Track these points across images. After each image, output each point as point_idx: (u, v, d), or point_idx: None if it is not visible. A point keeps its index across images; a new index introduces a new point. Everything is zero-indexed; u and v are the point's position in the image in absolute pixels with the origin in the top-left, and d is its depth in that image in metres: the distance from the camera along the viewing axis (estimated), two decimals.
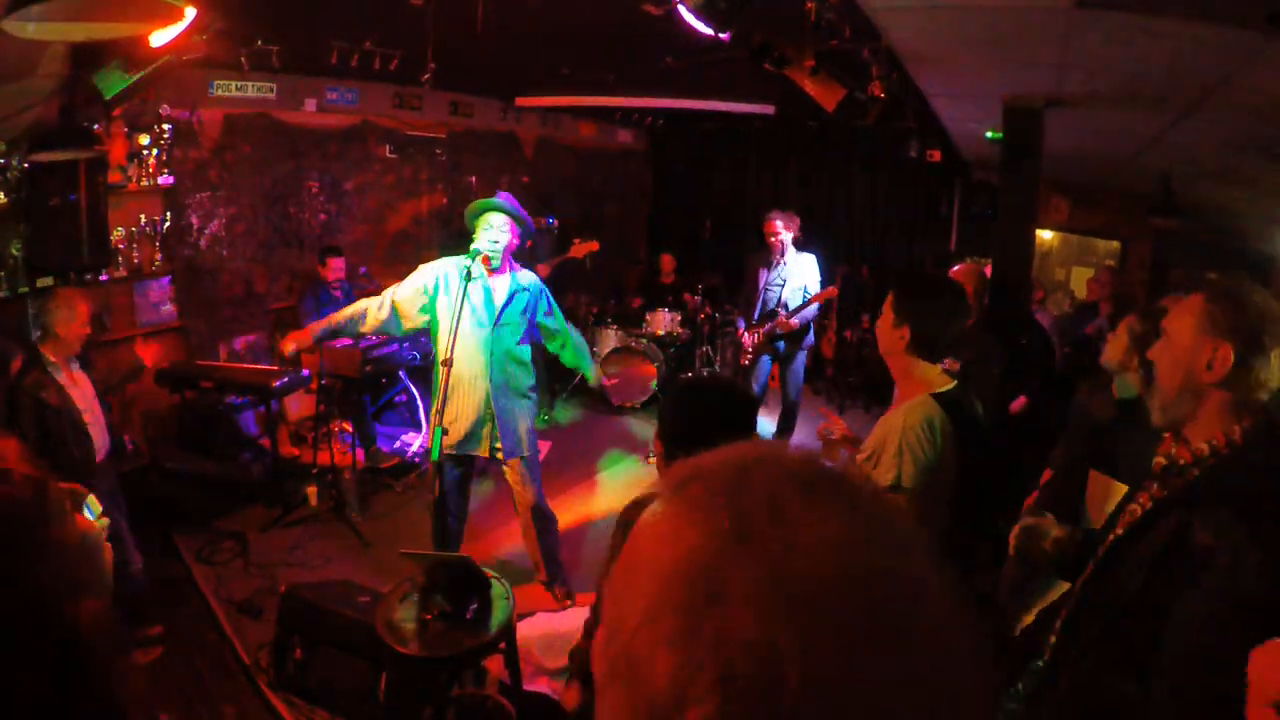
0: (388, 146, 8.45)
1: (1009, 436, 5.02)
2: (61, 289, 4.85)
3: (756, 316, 7.52)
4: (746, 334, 7.54)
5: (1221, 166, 6.17)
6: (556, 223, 9.17)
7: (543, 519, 5.10)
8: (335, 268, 6.99)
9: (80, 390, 4.46)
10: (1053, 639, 2.06)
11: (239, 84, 6.80)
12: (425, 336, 5.07)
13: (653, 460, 2.30)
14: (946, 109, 6.68)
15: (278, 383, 6.10)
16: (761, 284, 7.46)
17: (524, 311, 4.82)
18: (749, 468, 0.72)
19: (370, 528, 6.00)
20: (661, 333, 9.37)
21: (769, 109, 8.54)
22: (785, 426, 7.62)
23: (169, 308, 6.67)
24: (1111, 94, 4.91)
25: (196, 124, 6.65)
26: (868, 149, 10.62)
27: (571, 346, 5.19)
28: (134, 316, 6.36)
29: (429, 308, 4.73)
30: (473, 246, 4.63)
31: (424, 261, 4.88)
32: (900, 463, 2.71)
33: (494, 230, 4.66)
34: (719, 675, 0.59)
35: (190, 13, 3.56)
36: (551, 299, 5.04)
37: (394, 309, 4.74)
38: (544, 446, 7.82)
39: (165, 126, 6.36)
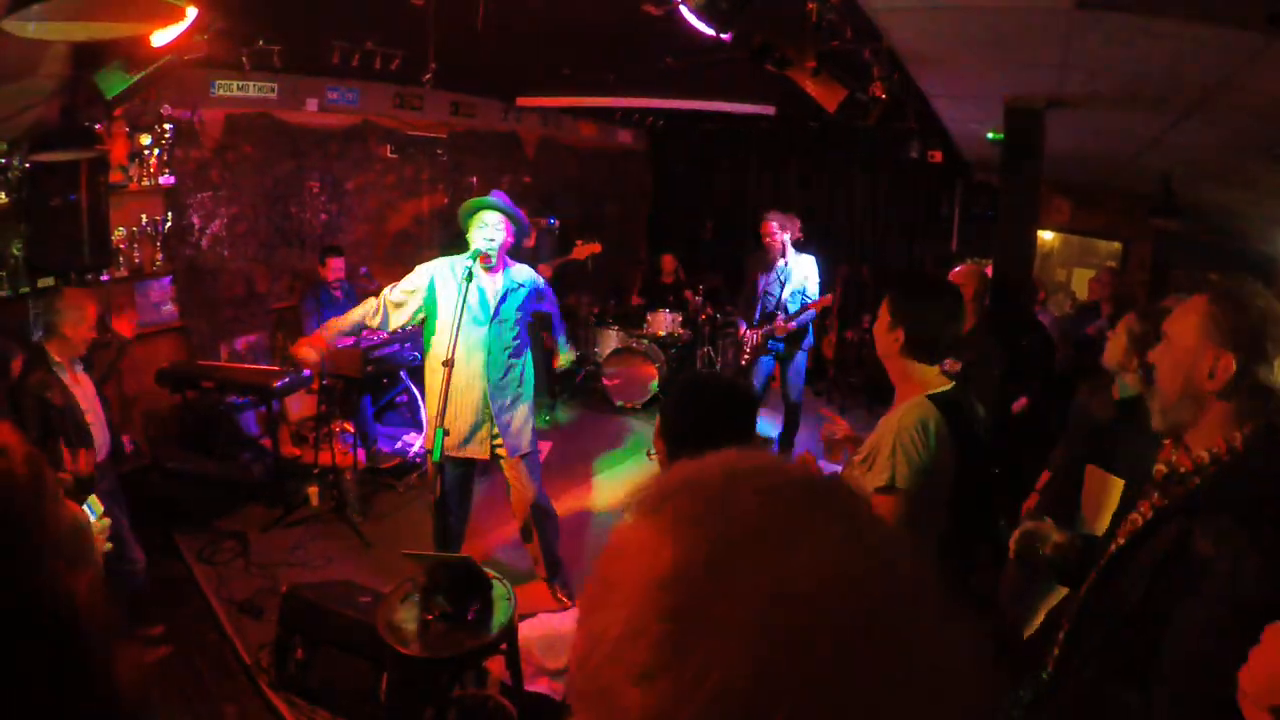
0: (389, 146, 8.46)
1: (1009, 437, 5.02)
2: (70, 289, 4.85)
3: (756, 319, 7.51)
4: (748, 331, 7.53)
5: (1222, 167, 6.17)
6: (558, 223, 9.18)
7: (544, 517, 5.09)
8: (335, 268, 6.99)
9: (82, 390, 4.46)
10: (1056, 650, 2.04)
11: (240, 84, 6.80)
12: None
13: (653, 457, 2.31)
14: (947, 110, 6.68)
15: (279, 383, 6.11)
16: (761, 287, 7.44)
17: (519, 308, 4.82)
18: (736, 479, 0.72)
19: (371, 528, 6.00)
20: (662, 333, 9.38)
21: (770, 109, 8.54)
22: (788, 429, 7.60)
23: (170, 308, 6.67)
24: (1112, 95, 4.91)
25: (198, 124, 6.65)
26: (868, 150, 10.63)
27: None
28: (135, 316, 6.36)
29: (423, 308, 4.74)
30: (473, 246, 4.63)
31: (425, 261, 4.88)
32: (894, 463, 2.70)
33: (489, 229, 4.65)
34: (711, 694, 0.58)
35: (191, 12, 3.57)
36: (550, 296, 5.08)
37: (385, 309, 4.76)
38: (544, 446, 7.82)
39: (166, 126, 6.36)
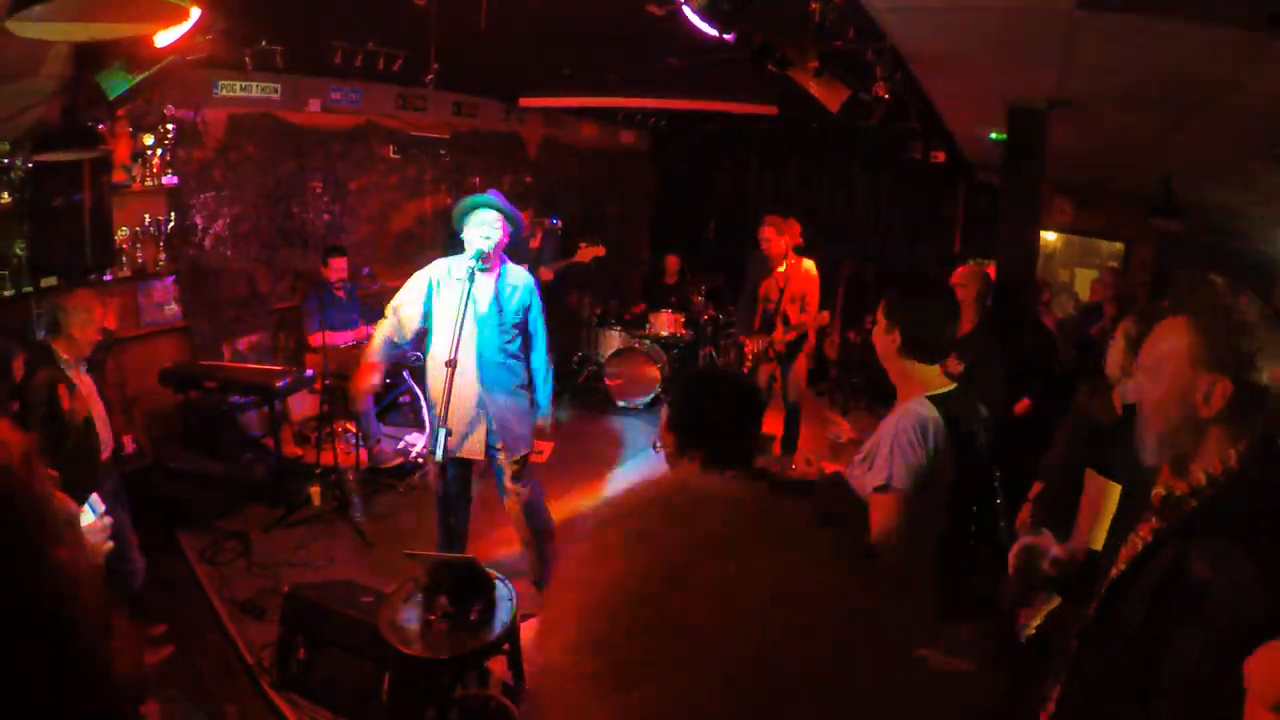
0: (391, 147, 8.46)
1: (1011, 439, 5.02)
2: (82, 290, 4.86)
3: (756, 326, 7.50)
4: (748, 341, 7.52)
5: (1223, 168, 6.17)
6: (560, 223, 9.19)
7: (538, 519, 5.08)
8: (338, 268, 6.99)
9: (86, 390, 4.47)
10: (1059, 682, 1.99)
11: (243, 84, 6.81)
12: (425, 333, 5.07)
13: (659, 449, 2.33)
14: (950, 110, 6.68)
15: (281, 383, 6.11)
16: (761, 293, 7.43)
17: (515, 309, 4.81)
18: (709, 505, 0.76)
19: (373, 528, 6.00)
20: (665, 334, 9.38)
21: (772, 110, 8.54)
22: (789, 430, 7.59)
23: (173, 308, 6.67)
24: (1114, 96, 4.91)
25: (200, 124, 6.66)
26: (870, 150, 10.64)
27: (539, 368, 5.11)
28: (138, 317, 6.36)
29: (426, 314, 4.75)
30: (470, 246, 4.62)
31: (428, 262, 4.89)
32: (891, 464, 2.72)
33: (486, 228, 4.64)
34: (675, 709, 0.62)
35: (195, 13, 3.57)
36: (539, 307, 5.02)
37: (399, 324, 4.81)
38: (546, 447, 7.83)
39: (169, 126, 6.37)
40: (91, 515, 2.29)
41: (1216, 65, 3.78)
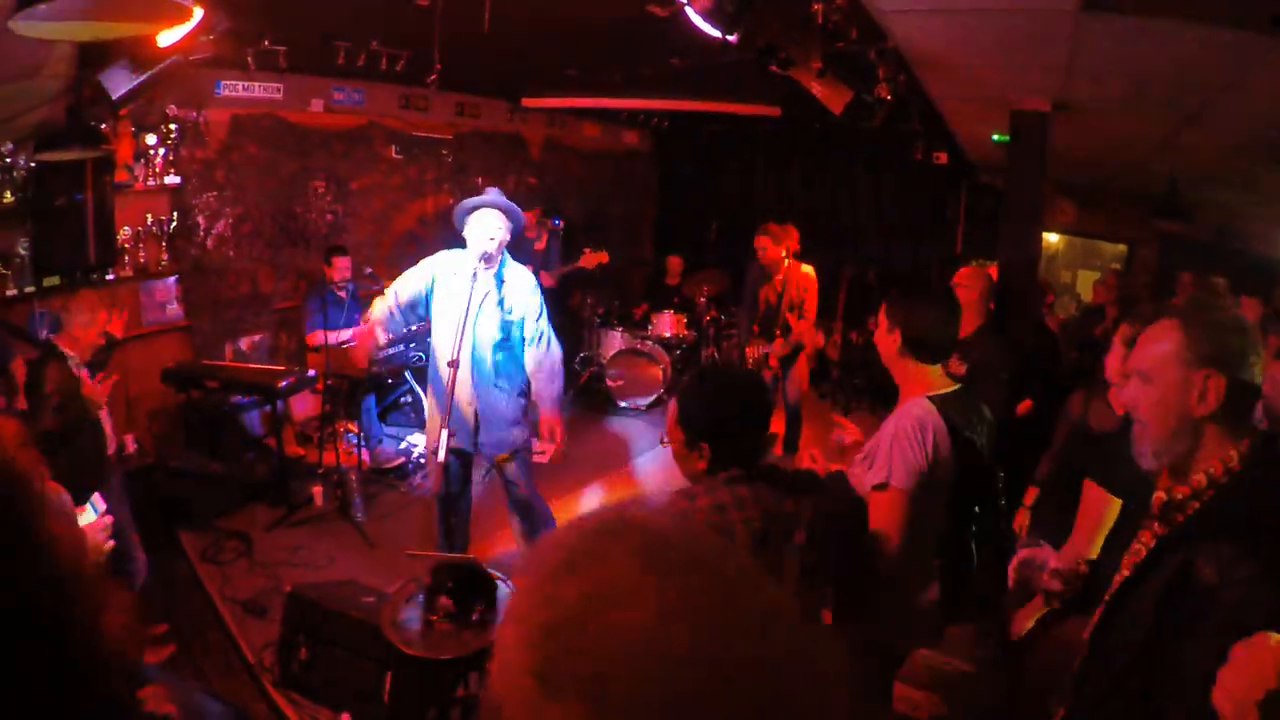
0: (394, 147, 8.47)
1: (1012, 440, 5.01)
2: (86, 291, 4.87)
3: (756, 331, 7.49)
4: (747, 349, 7.51)
5: (1227, 170, 6.16)
6: (562, 223, 9.19)
7: (534, 519, 5.07)
8: (341, 267, 6.99)
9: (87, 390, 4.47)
10: (1061, 710, 1.97)
11: (246, 84, 6.81)
12: (428, 335, 5.05)
13: (667, 443, 2.34)
14: (952, 112, 6.68)
15: (283, 383, 6.12)
16: (760, 300, 7.43)
17: (516, 309, 4.78)
18: (596, 545, 0.77)
19: (375, 528, 6.00)
20: (667, 335, 9.37)
21: (775, 111, 8.54)
22: (791, 431, 7.58)
23: (175, 307, 6.68)
24: (1118, 97, 4.91)
25: (203, 124, 6.67)
26: (873, 151, 10.64)
27: (543, 367, 4.93)
28: (140, 316, 6.37)
29: (425, 302, 4.74)
30: (473, 246, 4.60)
31: None
32: (890, 463, 2.73)
33: (490, 227, 4.62)
34: None
35: (198, 13, 3.57)
36: (543, 306, 4.94)
37: (397, 308, 4.78)
38: (548, 448, 7.83)
39: (172, 126, 6.38)
40: (93, 514, 2.29)
41: (1219, 67, 3.78)
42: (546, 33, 5.81)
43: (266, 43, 5.91)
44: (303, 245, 7.69)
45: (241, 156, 7.07)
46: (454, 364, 4.21)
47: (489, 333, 4.67)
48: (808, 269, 7.29)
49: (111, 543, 2.27)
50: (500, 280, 4.70)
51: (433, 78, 6.03)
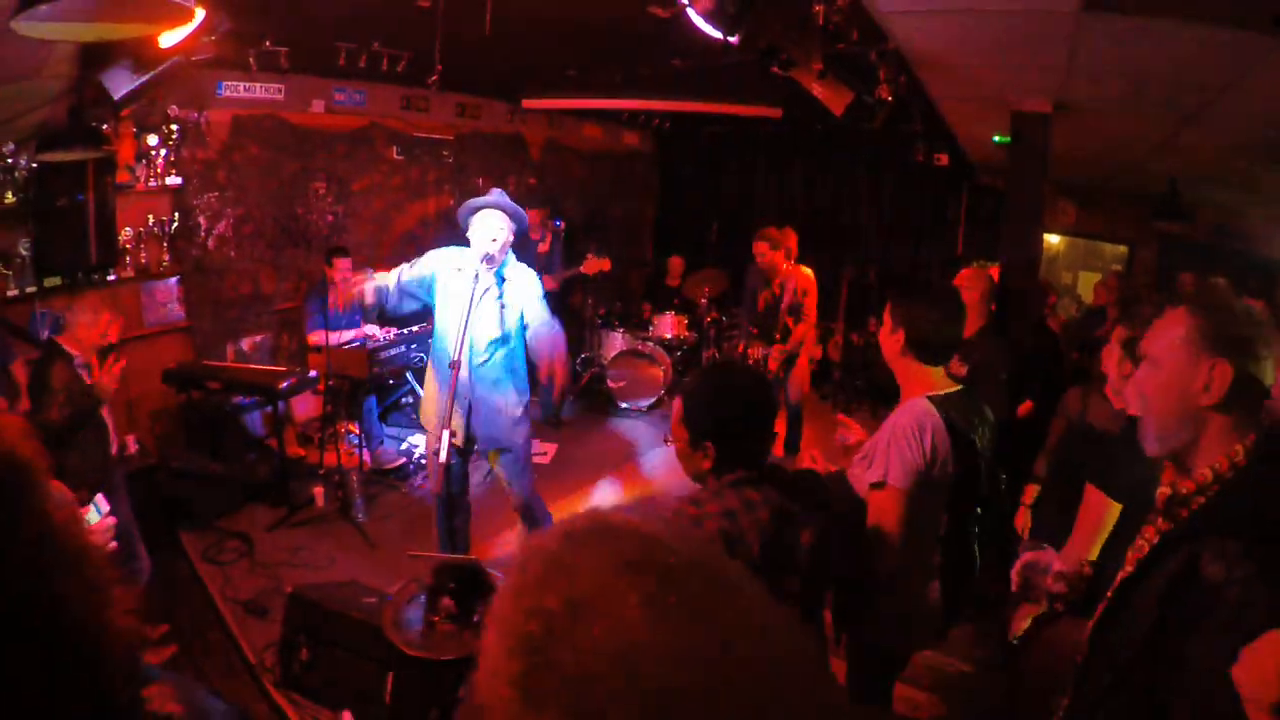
0: (395, 148, 8.47)
1: (1013, 441, 5.02)
2: (92, 293, 4.87)
3: (755, 333, 7.50)
4: (749, 352, 7.52)
5: (1226, 170, 6.17)
6: (563, 224, 9.20)
7: (532, 520, 5.07)
8: (342, 268, 6.97)
9: None
10: (1065, 701, 1.95)
11: (247, 85, 6.82)
12: (428, 336, 5.03)
13: (670, 442, 2.34)
14: (953, 113, 6.68)
15: (284, 383, 6.12)
16: (760, 304, 7.44)
17: (516, 309, 4.77)
18: (577, 552, 0.77)
19: (376, 529, 6.00)
20: (668, 336, 9.37)
21: (776, 112, 8.54)
22: (792, 432, 7.59)
23: (176, 308, 6.68)
24: (1118, 97, 4.91)
25: (204, 124, 6.67)
26: (874, 152, 10.64)
27: (543, 337, 4.81)
28: (141, 316, 6.37)
29: (428, 290, 4.73)
30: (476, 246, 4.59)
31: None
32: (888, 462, 2.74)
33: (492, 229, 4.62)
34: None
35: (199, 14, 3.57)
36: (545, 305, 4.90)
37: (399, 288, 4.75)
38: (550, 449, 7.83)
39: (173, 127, 6.38)
40: (97, 515, 2.30)
41: (1219, 67, 3.78)
42: (547, 33, 5.81)
43: (268, 43, 5.91)
44: (304, 246, 7.69)
45: (243, 157, 7.07)
46: (455, 365, 4.22)
47: (489, 331, 4.66)
48: (807, 271, 7.30)
49: (114, 544, 2.27)
50: (501, 279, 4.69)
51: (434, 78, 6.03)
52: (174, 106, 6.34)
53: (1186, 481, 1.73)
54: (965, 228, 10.67)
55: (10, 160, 5.31)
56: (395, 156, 8.51)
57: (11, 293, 5.39)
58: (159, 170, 6.32)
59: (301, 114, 7.46)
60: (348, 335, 6.85)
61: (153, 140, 6.26)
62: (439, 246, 4.90)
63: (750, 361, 7.43)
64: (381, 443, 7.37)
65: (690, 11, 3.98)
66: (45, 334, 4.95)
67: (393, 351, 6.90)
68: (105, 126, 5.51)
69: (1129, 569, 1.81)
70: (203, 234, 6.83)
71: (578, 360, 9.62)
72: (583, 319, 9.79)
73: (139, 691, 1.08)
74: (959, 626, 3.44)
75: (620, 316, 9.89)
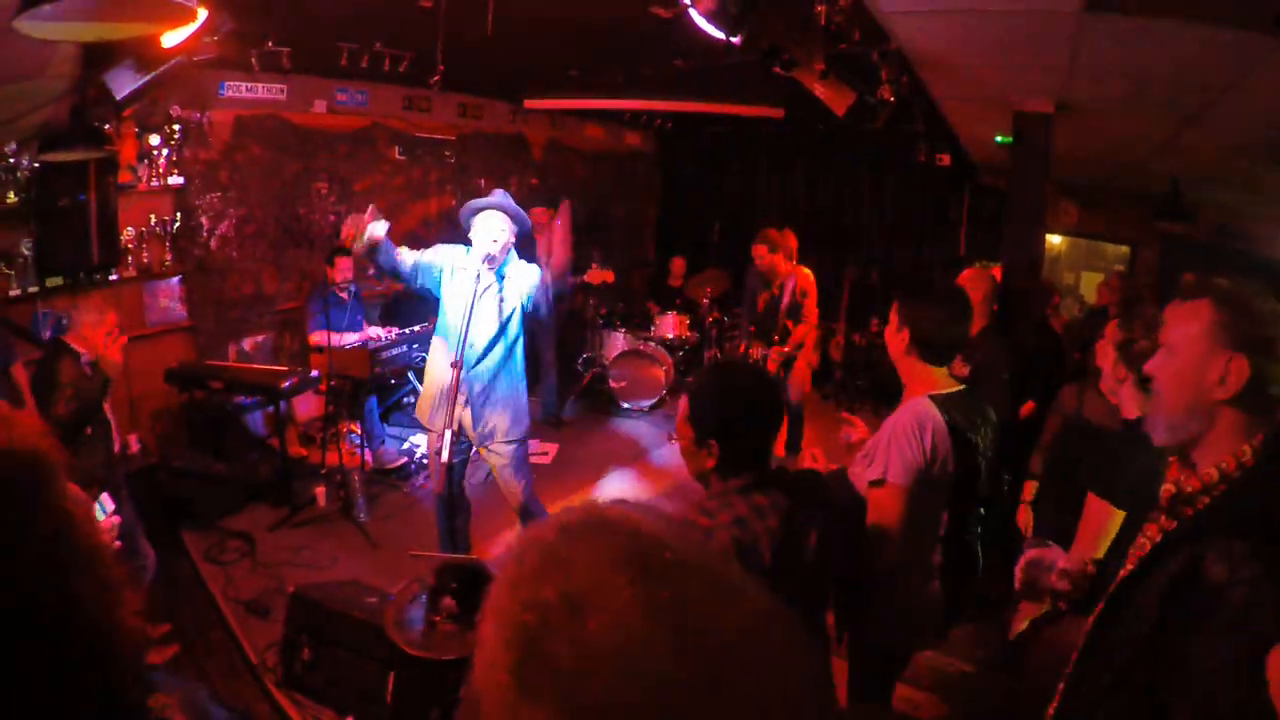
0: (397, 148, 8.48)
1: (1015, 441, 5.02)
2: (98, 293, 4.88)
3: (755, 333, 7.50)
4: (751, 352, 7.52)
5: (1228, 170, 6.16)
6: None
7: (529, 519, 5.05)
8: (343, 268, 6.97)
9: None
10: (1059, 691, 1.94)
11: (249, 85, 6.83)
12: (429, 336, 5.02)
13: (675, 441, 2.33)
14: (955, 113, 6.68)
15: (286, 383, 6.12)
16: (760, 305, 7.44)
17: (515, 307, 4.75)
18: (573, 544, 0.77)
19: (377, 528, 6.00)
20: (670, 336, 9.37)
21: (778, 112, 8.54)
22: (793, 432, 7.58)
23: (178, 308, 6.69)
24: (1120, 98, 4.91)
25: (207, 125, 6.68)
26: (876, 153, 10.64)
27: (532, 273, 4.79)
28: (144, 316, 6.38)
29: (436, 282, 4.71)
30: (478, 247, 4.58)
31: None
32: (888, 459, 2.75)
33: (493, 230, 4.62)
34: None
35: (202, 14, 3.57)
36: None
37: (419, 261, 4.69)
38: (551, 448, 7.83)
39: (175, 127, 6.39)
40: (101, 514, 2.30)
41: (1221, 67, 3.78)
42: (549, 34, 5.81)
43: (270, 44, 5.90)
44: (306, 246, 7.70)
45: (245, 157, 7.08)
46: (456, 364, 4.21)
47: (489, 330, 4.66)
48: (807, 272, 7.30)
49: (118, 543, 2.27)
50: (501, 277, 4.68)
51: (435, 79, 6.04)
52: (176, 106, 6.35)
53: (1192, 479, 1.70)
54: (967, 228, 10.67)
55: (12, 160, 5.32)
56: (397, 157, 8.51)
57: (14, 292, 5.39)
58: (161, 170, 6.33)
59: (304, 114, 7.46)
60: (350, 337, 6.85)
61: (155, 140, 6.27)
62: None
63: (751, 360, 7.43)
64: (383, 442, 7.38)
65: (692, 12, 3.98)
66: (47, 334, 4.96)
67: (394, 351, 6.90)
68: (107, 126, 5.51)
69: (1130, 567, 1.78)
70: (205, 234, 6.83)
71: (579, 360, 9.63)
72: (584, 319, 9.79)
73: (145, 697, 1.08)
74: (960, 626, 3.44)
75: (622, 317, 9.88)
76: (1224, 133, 5.05)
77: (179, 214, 6.55)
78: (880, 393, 9.19)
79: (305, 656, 4.16)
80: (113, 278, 6.04)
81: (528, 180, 10.23)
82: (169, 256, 6.52)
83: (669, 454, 7.79)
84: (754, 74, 5.35)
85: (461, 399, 4.64)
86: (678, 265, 10.56)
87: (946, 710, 4.15)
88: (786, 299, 7.22)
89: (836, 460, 3.36)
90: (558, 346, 8.71)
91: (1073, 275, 11.00)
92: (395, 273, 4.63)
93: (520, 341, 4.83)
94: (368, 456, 6.91)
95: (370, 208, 4.42)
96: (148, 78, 4.68)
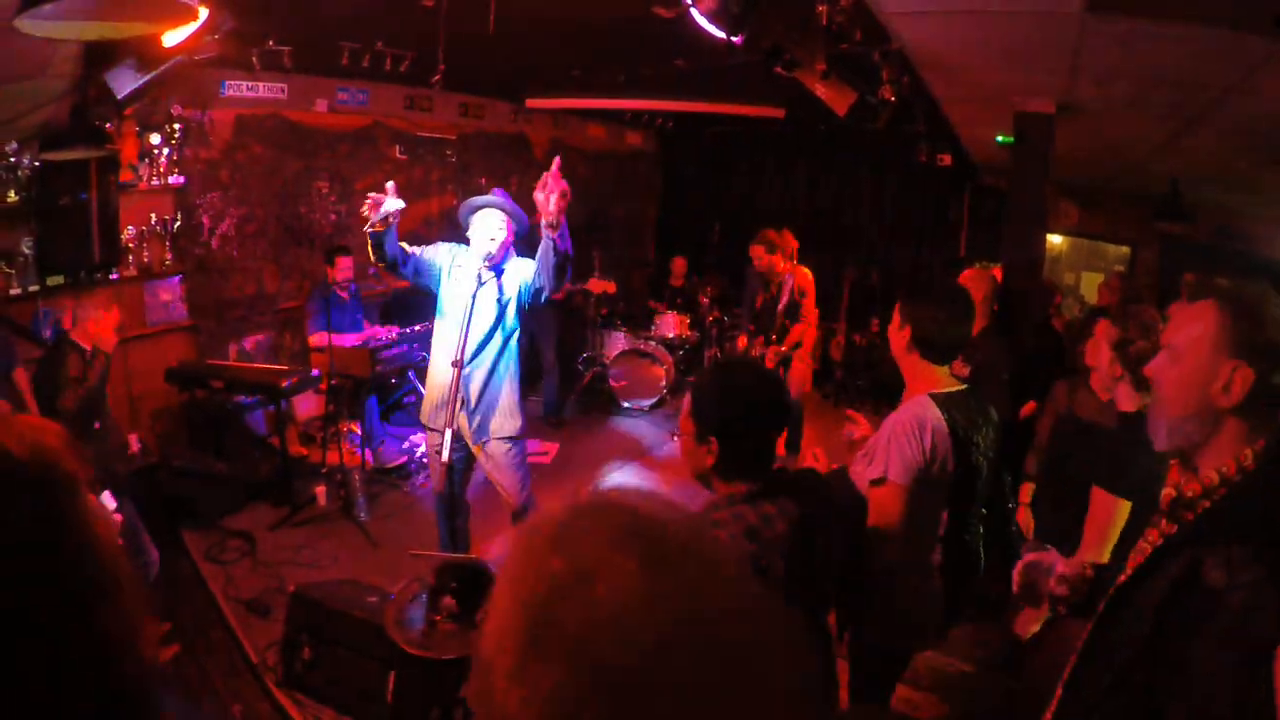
0: (398, 147, 8.48)
1: (1016, 441, 5.02)
2: (101, 289, 4.88)
3: (755, 332, 7.50)
4: (749, 349, 7.53)
5: (1228, 171, 6.16)
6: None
7: (523, 519, 5.03)
8: (344, 268, 6.97)
9: None
10: (1056, 694, 1.92)
11: (250, 84, 6.83)
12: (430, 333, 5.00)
13: (677, 438, 2.34)
14: (957, 113, 6.68)
15: (287, 382, 6.13)
16: (758, 305, 7.44)
17: (514, 306, 4.74)
18: (580, 521, 0.83)
19: (378, 528, 6.00)
20: (670, 335, 9.37)
21: (779, 112, 8.54)
22: (793, 431, 7.57)
23: (179, 307, 6.69)
24: (1121, 99, 4.91)
25: (208, 124, 6.68)
26: (877, 153, 10.63)
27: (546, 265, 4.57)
28: (144, 316, 6.39)
29: (435, 280, 4.70)
30: (475, 246, 4.57)
31: None
32: (888, 458, 2.76)
33: (491, 228, 4.61)
34: (542, 713, 0.71)
35: (203, 13, 3.58)
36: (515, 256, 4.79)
37: (417, 257, 4.69)
38: (551, 448, 7.83)
39: (176, 126, 6.40)
40: None
41: (1222, 69, 3.78)
42: (551, 33, 5.81)
43: (271, 43, 5.90)
44: (307, 245, 7.70)
45: (246, 156, 7.08)
46: (457, 364, 4.21)
47: (488, 328, 4.65)
48: (806, 272, 7.30)
49: (119, 541, 2.27)
50: (499, 273, 4.67)
51: (437, 78, 6.04)
52: (177, 106, 6.35)
53: (1192, 483, 1.68)
54: (968, 228, 10.67)
55: (13, 159, 5.32)
56: (398, 156, 8.51)
57: (14, 291, 5.40)
58: (162, 169, 6.34)
59: (305, 113, 7.47)
60: (350, 339, 6.84)
61: (156, 139, 6.27)
62: None
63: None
64: (383, 442, 7.38)
65: (694, 12, 3.98)
66: (48, 333, 4.96)
67: (395, 351, 6.90)
68: (108, 125, 5.51)
69: (1130, 572, 1.77)
70: (206, 233, 6.83)
71: (579, 359, 9.62)
72: (585, 318, 9.78)
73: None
74: (959, 626, 3.44)
75: (622, 316, 9.89)
76: (1225, 134, 5.05)
77: (180, 213, 6.55)
78: (881, 392, 9.20)
79: (306, 656, 4.16)
80: (113, 277, 6.04)
81: (529, 180, 10.18)
82: (170, 256, 6.53)
83: (670, 453, 7.79)
84: (755, 74, 5.35)
85: (465, 400, 4.64)
86: (679, 265, 10.55)
87: (946, 710, 4.14)
88: (785, 299, 7.22)
89: (838, 459, 3.36)
90: (558, 346, 8.71)
91: (1073, 276, 10.99)
92: (398, 263, 4.61)
93: (518, 340, 4.82)
94: (368, 456, 6.91)
95: (389, 184, 4.42)
96: (149, 77, 4.67)
